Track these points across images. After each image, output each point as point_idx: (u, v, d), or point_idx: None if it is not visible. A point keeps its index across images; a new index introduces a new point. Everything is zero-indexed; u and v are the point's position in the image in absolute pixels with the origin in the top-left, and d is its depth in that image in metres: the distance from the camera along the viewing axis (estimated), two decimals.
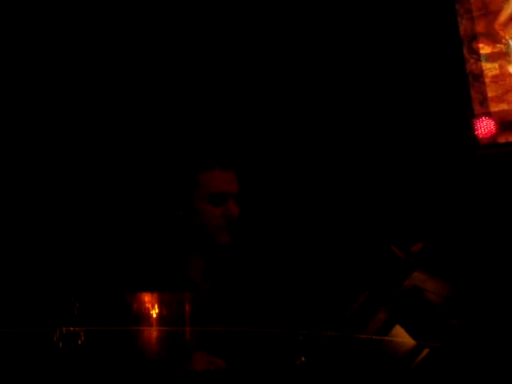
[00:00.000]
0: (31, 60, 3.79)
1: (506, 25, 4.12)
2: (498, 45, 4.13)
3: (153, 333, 2.63)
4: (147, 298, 2.59)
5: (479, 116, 4.16)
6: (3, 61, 3.79)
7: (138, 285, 2.76)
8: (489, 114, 4.15)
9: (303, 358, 2.64)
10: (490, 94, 4.14)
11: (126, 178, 3.77)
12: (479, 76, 4.15)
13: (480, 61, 4.15)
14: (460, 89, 4.15)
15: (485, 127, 4.14)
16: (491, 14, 4.16)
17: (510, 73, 4.12)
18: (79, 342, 2.50)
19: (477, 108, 4.16)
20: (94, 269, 3.34)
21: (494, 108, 4.13)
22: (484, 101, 4.15)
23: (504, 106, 4.11)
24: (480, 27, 4.16)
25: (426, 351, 2.78)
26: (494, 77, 4.14)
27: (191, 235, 2.91)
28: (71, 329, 2.49)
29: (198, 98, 3.91)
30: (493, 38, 4.15)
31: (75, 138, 3.77)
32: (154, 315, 2.59)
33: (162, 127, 3.85)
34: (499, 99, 4.13)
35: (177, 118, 3.87)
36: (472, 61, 4.15)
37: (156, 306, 2.61)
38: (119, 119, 3.83)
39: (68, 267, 3.46)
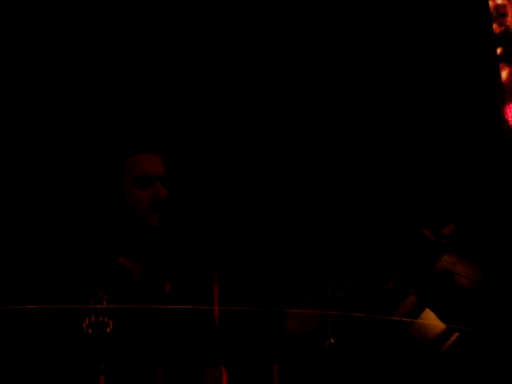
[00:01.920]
0: None
1: None
2: None
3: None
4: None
5: (510, 102, 4.13)
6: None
7: (68, 275, 2.77)
8: None
9: (332, 340, 2.64)
10: None
11: (52, 168, 3.74)
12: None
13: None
14: (491, 74, 4.12)
15: None
16: None
17: None
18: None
19: (507, 94, 4.13)
20: (23, 258, 3.34)
21: None
22: None
23: None
24: None
25: (456, 335, 2.77)
26: None
27: (121, 220, 2.92)
28: None
29: (121, 84, 3.89)
30: None
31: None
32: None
33: (85, 115, 3.82)
34: None
35: (101, 106, 3.85)
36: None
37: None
38: (42, 108, 3.80)
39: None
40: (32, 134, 3.73)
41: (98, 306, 2.63)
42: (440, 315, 2.76)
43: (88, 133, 3.72)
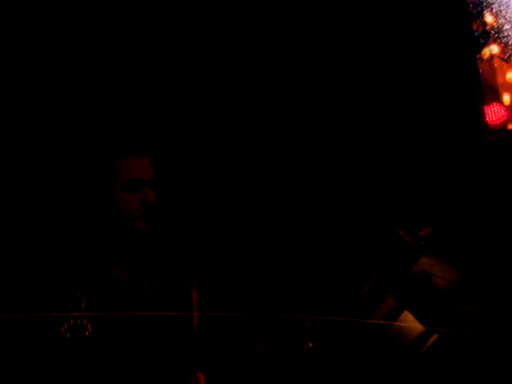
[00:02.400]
0: None
1: None
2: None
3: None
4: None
5: (489, 102, 4.13)
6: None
7: (53, 279, 2.75)
8: (499, 100, 4.12)
9: (310, 344, 2.64)
10: (500, 80, 4.12)
11: (40, 171, 3.70)
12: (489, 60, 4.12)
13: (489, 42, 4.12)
14: (470, 74, 4.12)
15: (495, 113, 4.11)
16: None
17: None
18: None
19: (487, 94, 4.13)
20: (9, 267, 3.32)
21: (505, 94, 4.11)
22: (495, 86, 4.13)
23: None
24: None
25: (434, 337, 2.77)
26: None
27: (109, 225, 2.88)
28: None
29: (110, 87, 3.87)
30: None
31: None
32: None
33: (75, 117, 3.79)
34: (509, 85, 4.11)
35: (90, 107, 3.81)
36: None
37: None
38: (31, 109, 3.76)
39: None
40: (19, 136, 3.69)
41: (76, 314, 2.62)
42: (418, 317, 2.76)
43: (76, 136, 3.68)
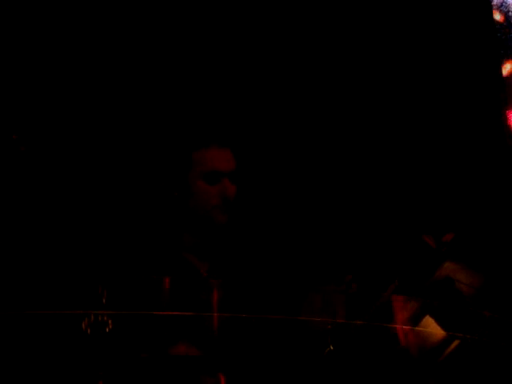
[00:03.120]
0: None
1: None
2: None
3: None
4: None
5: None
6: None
7: (135, 269, 2.74)
8: None
9: (332, 347, 2.63)
10: None
11: (119, 161, 3.67)
12: None
13: None
14: (494, 78, 4.11)
15: None
16: None
17: None
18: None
19: (511, 98, 4.12)
20: (90, 254, 3.30)
21: None
22: None
23: None
24: None
25: (456, 342, 2.76)
26: None
27: (187, 215, 2.86)
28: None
29: (190, 77, 3.83)
30: None
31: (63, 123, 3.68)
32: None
33: (153, 107, 3.75)
34: None
35: (169, 98, 3.78)
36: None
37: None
38: (109, 101, 3.74)
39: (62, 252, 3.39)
40: (100, 125, 3.66)
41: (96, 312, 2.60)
42: (441, 322, 2.75)
43: (156, 125, 3.64)
